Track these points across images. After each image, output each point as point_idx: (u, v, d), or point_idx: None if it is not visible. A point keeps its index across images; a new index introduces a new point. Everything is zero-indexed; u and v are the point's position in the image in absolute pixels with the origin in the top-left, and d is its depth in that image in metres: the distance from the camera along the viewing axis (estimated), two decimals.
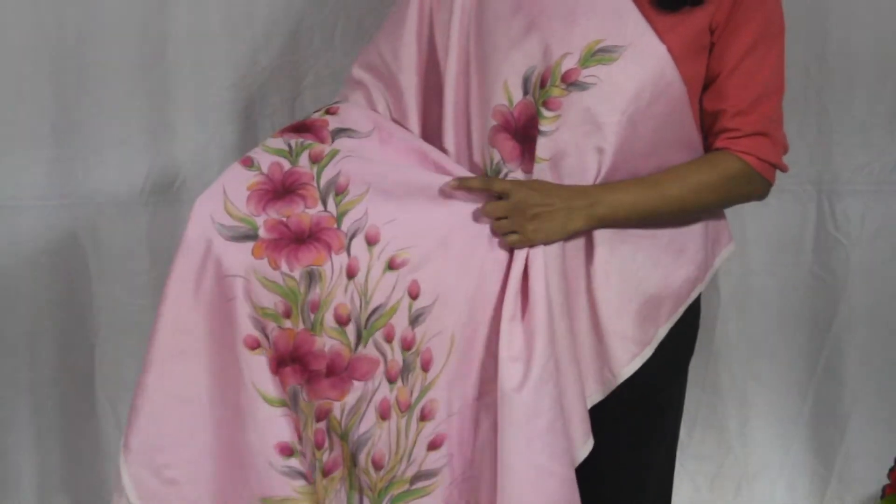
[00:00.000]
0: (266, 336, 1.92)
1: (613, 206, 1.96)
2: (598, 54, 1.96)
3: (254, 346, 1.91)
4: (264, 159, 1.97)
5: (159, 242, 2.66)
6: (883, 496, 2.15)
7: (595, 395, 2.01)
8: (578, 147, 1.96)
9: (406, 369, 1.96)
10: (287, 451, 1.92)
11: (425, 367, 1.95)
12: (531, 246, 1.94)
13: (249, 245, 1.92)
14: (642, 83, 1.95)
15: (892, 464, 2.25)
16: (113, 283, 2.68)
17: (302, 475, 1.92)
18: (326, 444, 1.97)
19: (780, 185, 2.27)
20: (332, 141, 1.99)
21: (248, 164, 1.97)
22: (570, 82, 1.96)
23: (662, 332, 2.02)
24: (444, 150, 2.06)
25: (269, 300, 1.91)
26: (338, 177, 1.97)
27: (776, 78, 2.01)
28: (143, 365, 1.92)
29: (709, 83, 2.02)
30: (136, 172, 2.63)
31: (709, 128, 2.03)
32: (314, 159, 1.98)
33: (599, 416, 2.00)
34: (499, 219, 1.96)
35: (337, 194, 1.97)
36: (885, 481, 2.17)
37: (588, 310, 2.00)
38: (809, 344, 2.76)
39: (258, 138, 2.59)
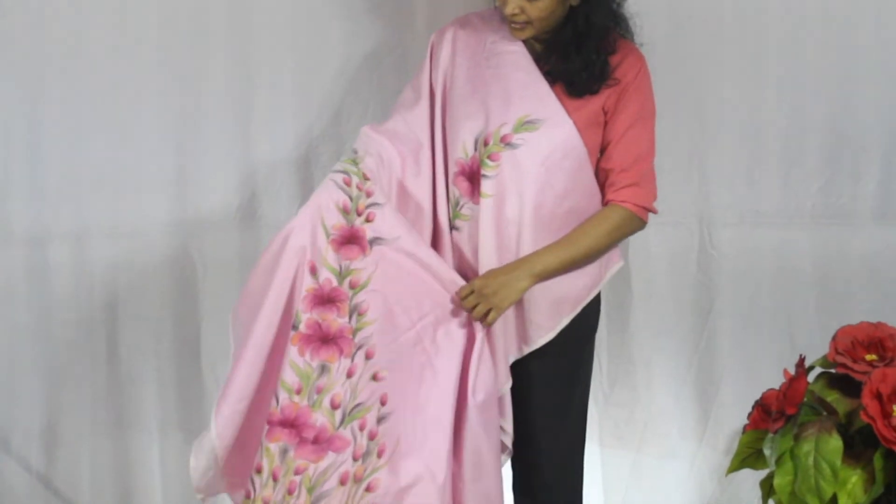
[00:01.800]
0: (276, 400, 2.15)
1: (545, 264, 2.25)
2: (526, 124, 2.25)
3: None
4: (322, 273, 2.21)
5: (244, 252, 3.00)
6: (744, 432, 2.26)
7: (511, 358, 2.34)
8: (511, 187, 2.26)
9: (367, 454, 2.17)
10: (258, 469, 2.19)
11: (379, 455, 2.17)
12: (502, 312, 2.21)
13: (292, 333, 2.20)
14: (555, 145, 2.25)
15: (750, 410, 2.31)
16: (213, 281, 3.02)
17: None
18: (296, 493, 2.17)
19: (675, 220, 2.91)
20: (371, 248, 2.22)
21: (314, 272, 2.21)
22: (506, 143, 2.25)
23: (565, 321, 2.35)
24: (435, 188, 2.33)
25: (289, 377, 2.17)
26: (362, 304, 2.21)
27: (649, 146, 2.31)
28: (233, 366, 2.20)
29: (603, 149, 2.32)
30: (229, 204, 3.00)
31: (602, 181, 2.33)
32: (352, 286, 2.22)
33: (533, 372, 2.34)
34: (474, 308, 2.21)
35: (359, 314, 2.21)
36: (746, 422, 2.27)
37: (517, 306, 2.33)
38: (694, 327, 3.02)
39: (313, 182, 2.95)
